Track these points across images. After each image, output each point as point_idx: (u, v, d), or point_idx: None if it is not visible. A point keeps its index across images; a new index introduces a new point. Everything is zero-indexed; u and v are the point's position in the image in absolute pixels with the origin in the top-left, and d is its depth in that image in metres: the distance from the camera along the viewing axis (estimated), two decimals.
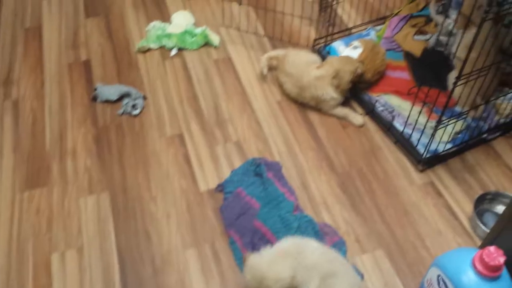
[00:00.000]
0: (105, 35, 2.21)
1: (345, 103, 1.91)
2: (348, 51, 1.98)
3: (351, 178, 1.68)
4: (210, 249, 1.48)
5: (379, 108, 1.86)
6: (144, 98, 1.92)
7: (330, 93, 1.83)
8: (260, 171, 1.63)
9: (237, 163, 1.71)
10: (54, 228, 1.54)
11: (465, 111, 1.67)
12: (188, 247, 1.49)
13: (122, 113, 1.86)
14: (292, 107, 1.91)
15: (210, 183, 1.65)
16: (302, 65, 1.89)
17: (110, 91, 1.90)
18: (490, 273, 1.15)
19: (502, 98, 1.75)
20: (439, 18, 2.13)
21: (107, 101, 1.91)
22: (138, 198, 1.61)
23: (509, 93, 1.74)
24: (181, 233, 1.52)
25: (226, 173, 1.68)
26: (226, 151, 1.75)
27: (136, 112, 1.85)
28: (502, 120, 1.79)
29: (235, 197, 1.57)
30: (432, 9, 2.18)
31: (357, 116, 1.86)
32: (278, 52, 2.02)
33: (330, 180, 1.68)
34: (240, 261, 1.43)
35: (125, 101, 1.88)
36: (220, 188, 1.62)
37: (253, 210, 1.53)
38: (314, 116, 1.88)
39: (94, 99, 1.91)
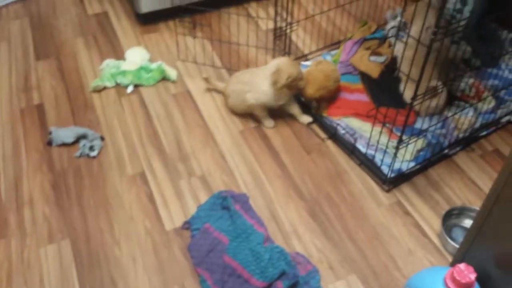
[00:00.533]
0: (57, 77, 2.15)
1: (310, 132, 1.91)
2: None
3: (319, 204, 1.66)
4: None
5: (341, 131, 1.87)
6: (102, 138, 1.86)
7: (264, 87, 1.85)
8: (227, 204, 1.59)
9: (203, 197, 1.67)
10: (14, 282, 1.44)
11: (425, 129, 1.70)
12: None
13: (80, 156, 1.80)
14: (255, 136, 1.90)
15: (176, 221, 1.60)
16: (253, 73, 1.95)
17: (65, 133, 1.83)
18: None
19: (459, 113, 1.79)
20: (391, 40, 2.19)
21: (63, 145, 1.84)
22: (101, 244, 1.53)
23: (465, 108, 1.78)
24: (148, 277, 1.46)
25: (192, 209, 1.63)
26: (191, 186, 1.71)
27: (94, 153, 1.79)
28: (461, 135, 1.82)
29: (203, 233, 1.52)
30: (386, 32, 2.24)
31: (304, 116, 1.95)
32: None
33: (298, 207, 1.65)
34: None
35: (82, 143, 1.82)
36: (187, 225, 1.58)
37: (222, 245, 1.49)
38: (278, 144, 1.87)
39: (50, 143, 1.84)
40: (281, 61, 1.85)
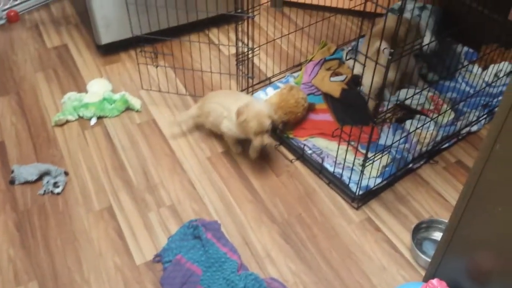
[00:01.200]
0: (18, 113, 2.10)
1: (278, 154, 1.92)
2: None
3: (291, 226, 1.66)
4: None
5: (308, 151, 1.88)
6: (66, 174, 1.82)
7: (229, 125, 1.81)
8: (198, 233, 1.57)
9: (174, 228, 1.64)
10: None
11: (389, 145, 1.73)
12: None
13: (44, 193, 1.75)
14: (223, 162, 1.89)
15: (147, 255, 1.56)
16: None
17: (28, 171, 1.78)
18: None
19: (421, 127, 1.83)
20: (349, 63, 2.24)
21: (26, 183, 1.79)
22: (69, 284, 1.48)
23: (426, 122, 1.83)
24: None
25: (163, 241, 1.60)
26: (160, 217, 1.68)
27: (58, 190, 1.75)
28: (424, 149, 1.86)
29: (175, 265, 1.49)
30: (344, 56, 2.29)
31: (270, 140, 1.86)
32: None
33: (271, 231, 1.65)
34: None
35: (46, 179, 1.77)
36: (158, 258, 1.54)
37: (195, 277, 1.46)
38: (246, 168, 1.87)
39: (12, 182, 1.78)
40: (253, 103, 1.73)
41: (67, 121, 2.06)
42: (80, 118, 2.08)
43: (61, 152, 1.92)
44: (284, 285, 1.47)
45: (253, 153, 1.89)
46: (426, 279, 1.38)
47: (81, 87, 2.23)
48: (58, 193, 1.75)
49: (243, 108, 1.71)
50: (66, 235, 1.62)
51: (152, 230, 1.64)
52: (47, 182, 1.76)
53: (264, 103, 1.79)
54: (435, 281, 1.17)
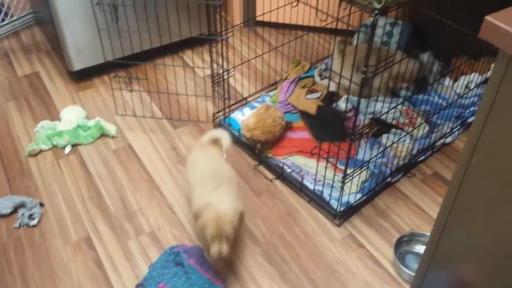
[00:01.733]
0: None
1: (257, 174, 1.91)
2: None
3: (274, 247, 1.65)
4: None
5: (288, 170, 1.88)
6: (41, 205, 1.77)
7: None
8: (180, 259, 1.55)
9: (154, 255, 1.61)
10: None
11: (367, 160, 1.74)
12: None
13: (19, 226, 1.70)
14: None
15: (128, 285, 1.53)
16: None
17: (2, 204, 1.73)
18: None
19: (397, 141, 1.86)
20: (323, 83, 2.26)
21: (0, 216, 1.73)
22: None
23: (402, 137, 1.85)
24: None
25: (144, 270, 1.57)
26: (141, 245, 1.65)
27: (34, 222, 1.70)
28: (401, 162, 1.88)
29: None
30: (316, 75, 2.32)
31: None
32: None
33: (254, 253, 1.63)
34: None
35: (21, 212, 1.72)
36: (140, 287, 1.51)
37: None
38: None
39: None
40: (216, 203, 1.41)
41: (41, 151, 2.02)
42: (54, 146, 2.04)
43: (36, 183, 1.88)
44: None
45: (213, 263, 1.55)
46: None
47: (54, 115, 2.20)
48: (34, 225, 1.70)
49: (202, 208, 1.40)
50: (44, 269, 1.57)
51: (132, 258, 1.61)
52: (22, 214, 1.71)
53: (231, 203, 1.42)
54: None
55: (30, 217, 1.71)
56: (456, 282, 1.22)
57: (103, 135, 2.10)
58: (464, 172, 1.05)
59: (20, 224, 1.70)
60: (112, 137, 2.09)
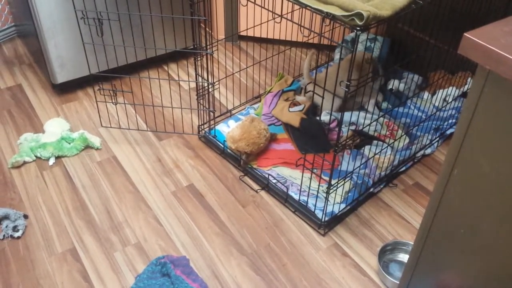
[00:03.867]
0: None
1: (243, 185, 1.93)
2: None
3: (261, 257, 1.67)
4: None
5: (273, 181, 1.91)
6: (25, 217, 1.76)
7: None
8: (166, 270, 1.55)
9: (140, 267, 1.61)
10: None
11: (351, 171, 1.78)
12: None
13: (3, 238, 1.68)
14: (188, 196, 1.88)
15: None
16: None
17: None
18: None
19: (378, 152, 1.90)
20: (307, 97, 2.31)
21: None
22: None
23: (383, 149, 1.90)
24: None
25: (131, 281, 1.56)
26: (127, 257, 1.64)
27: (18, 234, 1.68)
28: (383, 173, 1.93)
29: None
30: (301, 88, 2.36)
31: None
32: None
33: (241, 263, 1.64)
34: None
35: (4, 224, 1.70)
36: None
37: None
38: (212, 201, 1.87)
39: None
40: None
41: (25, 162, 2.00)
42: (38, 158, 2.03)
43: (20, 194, 1.86)
44: None
45: None
46: None
47: (37, 128, 2.19)
48: (18, 237, 1.68)
49: None
50: (28, 281, 1.55)
51: (119, 270, 1.60)
52: (6, 226, 1.69)
53: None
54: None
55: (14, 228, 1.69)
56: None
57: (88, 147, 2.10)
58: (446, 182, 1.09)
59: (4, 236, 1.68)
60: (97, 149, 2.09)
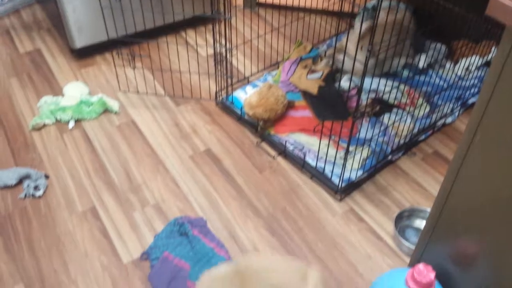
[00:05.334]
0: None
1: (260, 150, 1.94)
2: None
3: (277, 220, 1.68)
4: None
5: (290, 147, 1.91)
6: (46, 177, 1.79)
7: None
8: (184, 230, 1.57)
9: (159, 226, 1.64)
10: None
11: (369, 138, 1.77)
12: None
13: (25, 197, 1.71)
14: (206, 160, 1.89)
15: (134, 253, 1.55)
16: None
17: (7, 175, 1.75)
18: None
19: (398, 120, 1.88)
20: (325, 64, 2.28)
21: (6, 187, 1.75)
22: (57, 285, 1.46)
23: (403, 117, 1.88)
24: None
25: (149, 240, 1.59)
26: (146, 217, 1.67)
27: (39, 193, 1.72)
28: (402, 141, 1.91)
29: (162, 262, 1.49)
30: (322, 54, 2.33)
31: None
32: None
33: (257, 225, 1.66)
34: None
35: (26, 183, 1.74)
36: (145, 256, 1.53)
37: (184, 272, 1.46)
38: (229, 166, 1.88)
39: None
40: None
41: (45, 125, 2.03)
42: (58, 121, 2.05)
43: (40, 156, 1.89)
44: None
45: None
46: (411, 264, 1.41)
47: (57, 91, 2.20)
48: (39, 196, 1.72)
49: None
50: (50, 238, 1.59)
51: (138, 229, 1.63)
52: (28, 185, 1.73)
53: None
54: (421, 266, 1.20)
55: (36, 188, 1.73)
56: (457, 254, 1.25)
57: (106, 111, 2.11)
58: (467, 147, 1.07)
59: (25, 195, 1.71)
60: (115, 113, 2.11)
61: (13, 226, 1.63)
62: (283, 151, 1.92)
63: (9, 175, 1.74)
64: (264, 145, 1.98)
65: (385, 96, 2.04)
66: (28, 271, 1.49)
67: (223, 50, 2.01)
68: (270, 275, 1.19)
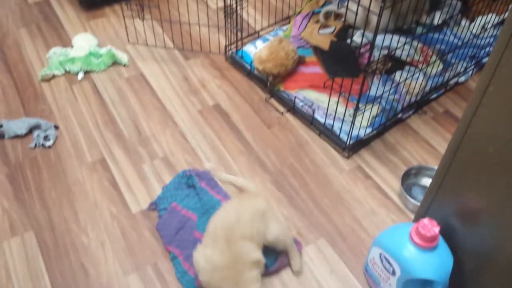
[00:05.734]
0: (2, 70, 2.06)
1: (268, 106, 1.93)
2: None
3: (284, 175, 1.69)
4: (153, 271, 1.41)
5: (299, 104, 1.89)
6: (56, 127, 1.80)
7: None
8: (192, 182, 1.59)
9: (167, 178, 1.65)
10: None
11: (379, 95, 1.75)
12: (129, 273, 1.41)
13: (35, 146, 1.73)
14: (214, 115, 1.89)
15: (142, 204, 1.58)
16: None
17: (17, 125, 1.76)
18: (428, 243, 1.20)
19: (410, 78, 1.85)
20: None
21: (16, 137, 1.77)
22: (67, 232, 1.50)
23: (415, 72, 1.85)
24: (119, 260, 1.44)
25: (157, 191, 1.62)
26: (154, 169, 1.69)
27: (49, 143, 1.73)
28: (413, 99, 1.89)
29: (170, 212, 1.51)
30: (321, 16, 2.27)
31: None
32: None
33: (264, 180, 1.67)
34: (181, 275, 1.38)
35: (36, 133, 1.75)
36: (153, 206, 1.56)
37: (191, 222, 1.48)
38: (238, 121, 1.87)
39: (1, 136, 1.76)
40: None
41: (54, 76, 2.03)
42: (67, 73, 2.05)
43: (50, 106, 1.90)
44: None
45: None
46: (416, 220, 1.42)
47: (66, 42, 2.19)
48: (49, 147, 1.74)
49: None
50: (60, 187, 1.62)
51: (146, 180, 1.65)
52: (38, 135, 1.74)
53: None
54: (426, 220, 1.20)
55: (46, 138, 1.74)
56: (462, 211, 1.25)
57: (115, 63, 2.10)
58: (480, 98, 1.05)
59: (35, 144, 1.73)
60: (124, 65, 2.09)
61: (24, 175, 1.65)
62: (292, 107, 1.91)
63: (19, 125, 1.76)
64: (273, 101, 1.96)
65: (398, 53, 2.00)
66: (39, 219, 1.53)
67: (234, 2, 1.96)
68: (241, 226, 1.28)
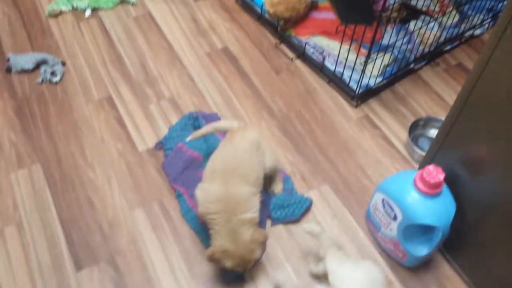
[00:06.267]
0: (9, 3, 2.02)
1: (278, 52, 1.90)
2: None
3: (290, 121, 1.68)
4: (158, 207, 1.44)
5: (310, 50, 1.86)
6: (63, 64, 1.79)
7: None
8: (198, 124, 1.59)
9: (174, 119, 1.65)
10: None
11: (392, 44, 1.71)
12: (135, 207, 1.43)
13: (42, 82, 1.73)
14: (223, 58, 1.87)
15: (149, 143, 1.59)
16: None
17: (25, 59, 1.75)
18: (432, 190, 1.20)
19: (424, 27, 1.81)
20: None
21: (23, 71, 1.76)
22: (74, 167, 1.51)
23: (430, 22, 1.80)
24: (125, 195, 1.46)
25: (164, 131, 1.62)
26: (161, 109, 1.68)
27: (56, 79, 1.72)
28: (426, 50, 1.85)
29: (176, 152, 1.52)
30: None
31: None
32: None
33: (270, 126, 1.67)
34: (186, 212, 1.40)
35: (43, 68, 1.74)
36: (160, 145, 1.57)
37: (196, 162, 1.50)
38: (246, 65, 1.85)
39: (9, 70, 1.75)
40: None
41: (61, 12, 1.99)
42: (74, 9, 2.01)
43: (57, 43, 1.88)
44: (281, 169, 1.52)
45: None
46: (421, 167, 1.42)
47: None
48: (56, 82, 1.73)
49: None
50: (67, 122, 1.63)
51: (153, 120, 1.65)
52: (45, 71, 1.73)
53: None
54: (431, 167, 1.20)
55: (53, 74, 1.73)
56: (468, 159, 1.25)
57: (123, 1, 2.05)
58: (496, 43, 1.02)
59: (42, 80, 1.73)
60: (132, 4, 2.05)
61: (31, 109, 1.66)
62: (302, 54, 1.88)
63: (26, 60, 1.75)
64: (283, 46, 1.93)
65: (414, 1, 1.94)
66: (46, 153, 1.54)
67: None
68: (239, 161, 1.30)
